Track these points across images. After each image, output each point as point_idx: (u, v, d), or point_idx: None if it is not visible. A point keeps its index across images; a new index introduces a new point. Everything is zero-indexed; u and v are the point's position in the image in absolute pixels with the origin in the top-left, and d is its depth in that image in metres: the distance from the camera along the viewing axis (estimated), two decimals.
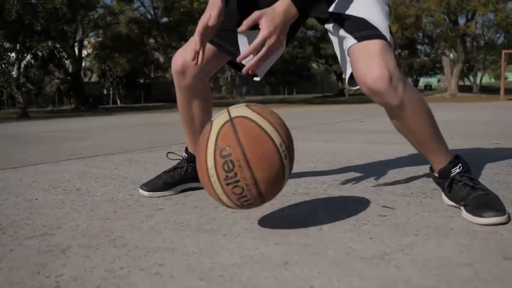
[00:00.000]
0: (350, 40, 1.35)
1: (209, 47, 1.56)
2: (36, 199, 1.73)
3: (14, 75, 19.10)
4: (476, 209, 1.26)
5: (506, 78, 23.14)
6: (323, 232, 1.21)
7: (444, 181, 1.42)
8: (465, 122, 5.52)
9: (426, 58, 37.10)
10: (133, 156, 3.00)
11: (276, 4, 1.27)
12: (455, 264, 0.96)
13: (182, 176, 1.77)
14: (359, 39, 1.33)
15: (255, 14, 1.24)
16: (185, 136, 1.78)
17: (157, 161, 2.70)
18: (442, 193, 1.48)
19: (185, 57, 1.57)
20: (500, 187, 1.68)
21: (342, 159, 2.55)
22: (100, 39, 27.11)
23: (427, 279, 0.90)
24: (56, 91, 32.82)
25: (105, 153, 3.20)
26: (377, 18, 1.36)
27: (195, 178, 1.74)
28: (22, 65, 19.42)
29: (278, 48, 1.27)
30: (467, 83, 32.29)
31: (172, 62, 1.62)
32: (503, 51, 19.34)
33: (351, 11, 1.37)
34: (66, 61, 24.60)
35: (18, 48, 18.76)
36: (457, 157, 1.44)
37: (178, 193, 1.76)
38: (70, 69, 25.72)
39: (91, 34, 26.52)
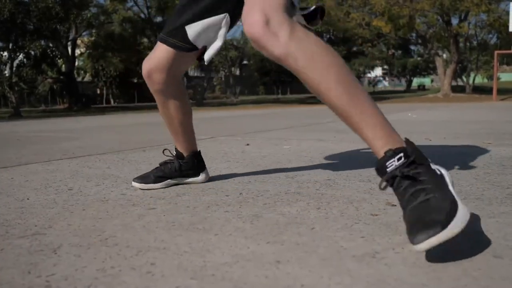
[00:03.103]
0: None
1: (167, 49, 1.64)
2: (27, 199, 1.73)
3: (7, 74, 18.99)
4: (409, 230, 0.96)
5: (498, 78, 23.29)
6: (314, 231, 1.22)
7: (380, 174, 1.07)
8: (457, 121, 5.55)
9: (419, 58, 37.23)
10: (126, 155, 2.99)
11: None
12: (445, 262, 0.97)
13: (173, 172, 1.86)
14: None
15: None
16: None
17: (150, 161, 2.70)
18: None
19: (150, 63, 1.68)
20: (492, 187, 1.69)
21: (334, 158, 2.56)
22: (93, 38, 27.00)
23: (417, 277, 0.90)
24: (49, 90, 32.68)
25: (98, 152, 3.19)
26: None
27: (186, 175, 1.89)
28: (15, 64, 19.31)
29: None
30: (460, 83, 32.46)
31: (142, 67, 1.71)
32: (496, 52, 19.48)
33: None
34: (59, 61, 24.49)
35: (10, 47, 18.66)
36: (405, 145, 1.08)
37: (168, 187, 1.85)
38: (63, 69, 25.61)
39: (84, 33, 26.41)
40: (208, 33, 1.61)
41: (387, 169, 1.05)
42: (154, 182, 1.83)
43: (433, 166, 1.07)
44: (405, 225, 0.99)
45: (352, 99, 1.09)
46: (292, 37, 1.09)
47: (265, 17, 1.10)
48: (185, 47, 1.63)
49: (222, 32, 1.62)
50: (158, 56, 1.67)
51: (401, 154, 1.04)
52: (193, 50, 1.64)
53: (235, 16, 1.61)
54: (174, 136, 1.87)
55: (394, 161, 1.04)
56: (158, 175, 1.84)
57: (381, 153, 1.07)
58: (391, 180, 1.04)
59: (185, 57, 1.67)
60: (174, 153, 1.90)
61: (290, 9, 1.19)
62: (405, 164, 1.03)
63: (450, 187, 1.03)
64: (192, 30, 1.59)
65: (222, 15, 1.59)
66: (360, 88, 1.12)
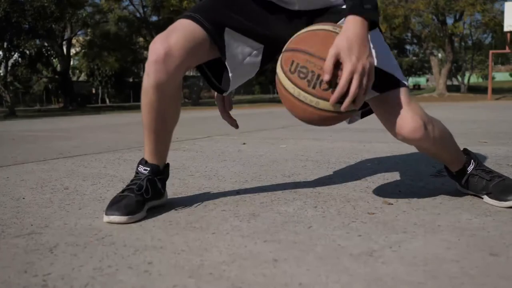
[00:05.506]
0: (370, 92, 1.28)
1: (203, 36, 1.36)
2: (23, 198, 1.72)
3: (1, 74, 18.92)
4: (500, 195, 1.41)
5: (493, 78, 23.39)
6: (311, 230, 1.22)
7: (461, 178, 1.53)
8: (453, 121, 5.56)
9: (414, 58, 37.32)
10: (122, 155, 2.98)
11: (345, 28, 1.16)
12: (442, 260, 0.97)
13: (152, 193, 1.45)
14: (380, 90, 1.33)
15: (332, 53, 1.13)
16: (147, 145, 1.47)
17: None
18: (457, 184, 1.59)
19: (169, 43, 1.32)
20: None
21: (331, 157, 2.56)
22: (88, 37, 26.91)
23: (414, 275, 0.90)
24: (44, 90, 32.57)
25: (94, 152, 3.18)
26: (389, 62, 1.37)
27: (160, 194, 1.51)
28: (10, 64, 19.23)
29: (372, 68, 1.17)
30: (455, 82, 32.59)
31: (150, 50, 1.34)
32: (491, 51, 19.57)
33: None
34: (54, 60, 24.42)
35: (5, 46, 18.57)
36: (467, 154, 1.54)
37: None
38: (58, 68, 25.49)
39: (79, 32, 26.33)
40: (238, 50, 1.43)
41: (467, 172, 1.51)
42: (141, 211, 1.39)
43: None
44: (489, 193, 1.44)
45: (454, 150, 1.51)
46: (434, 129, 1.36)
47: (422, 121, 1.31)
48: (216, 39, 1.38)
49: (249, 60, 1.46)
50: (184, 33, 1.34)
51: (472, 160, 1.52)
52: (217, 46, 1.39)
53: (267, 56, 1.49)
54: (157, 146, 1.48)
55: (470, 165, 1.51)
56: (140, 200, 1.40)
57: (458, 166, 1.52)
58: (467, 178, 1.51)
59: (211, 53, 1.41)
60: (144, 169, 1.47)
61: None
62: (476, 165, 1.51)
63: None
64: (230, 36, 1.40)
65: (260, 44, 1.46)
66: (454, 139, 1.50)
